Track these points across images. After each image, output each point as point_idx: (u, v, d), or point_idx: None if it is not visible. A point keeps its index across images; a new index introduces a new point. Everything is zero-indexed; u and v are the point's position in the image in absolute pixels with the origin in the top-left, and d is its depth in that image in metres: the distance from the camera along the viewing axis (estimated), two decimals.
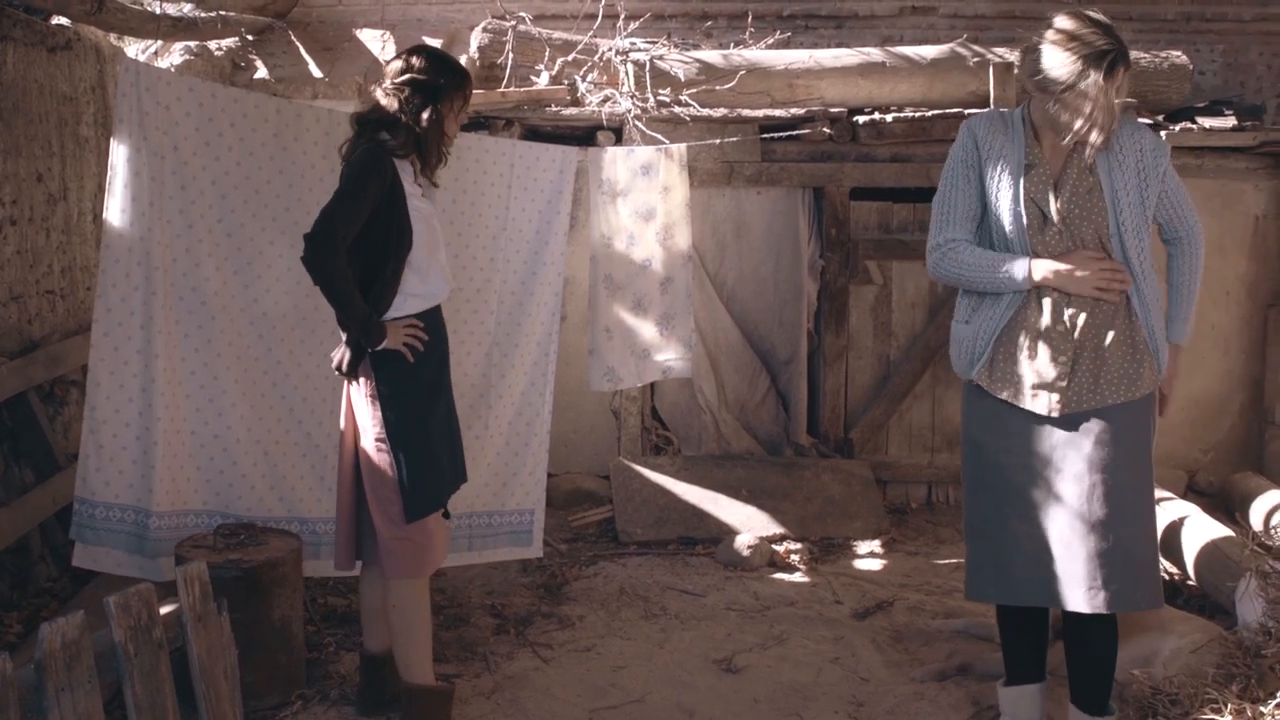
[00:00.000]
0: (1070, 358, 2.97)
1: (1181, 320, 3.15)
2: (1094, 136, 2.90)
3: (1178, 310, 3.15)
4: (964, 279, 3.08)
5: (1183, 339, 3.16)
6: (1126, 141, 3.00)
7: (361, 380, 3.18)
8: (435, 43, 6.18)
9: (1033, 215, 2.99)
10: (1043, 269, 2.97)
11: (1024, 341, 3.02)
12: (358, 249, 3.10)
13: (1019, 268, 2.98)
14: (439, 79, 3.20)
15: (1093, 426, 2.96)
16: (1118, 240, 2.99)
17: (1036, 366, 3.00)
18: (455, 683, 3.61)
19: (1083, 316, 2.97)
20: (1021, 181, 2.98)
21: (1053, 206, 2.97)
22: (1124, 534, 2.94)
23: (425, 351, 3.21)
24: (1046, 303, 2.98)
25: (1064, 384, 2.97)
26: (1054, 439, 3.00)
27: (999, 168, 3.02)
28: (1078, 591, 2.97)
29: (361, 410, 3.20)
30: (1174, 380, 3.16)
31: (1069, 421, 2.98)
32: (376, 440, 3.17)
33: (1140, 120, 3.13)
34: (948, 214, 3.11)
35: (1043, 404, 2.99)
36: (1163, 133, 5.35)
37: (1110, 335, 2.97)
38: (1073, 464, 2.97)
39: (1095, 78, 2.83)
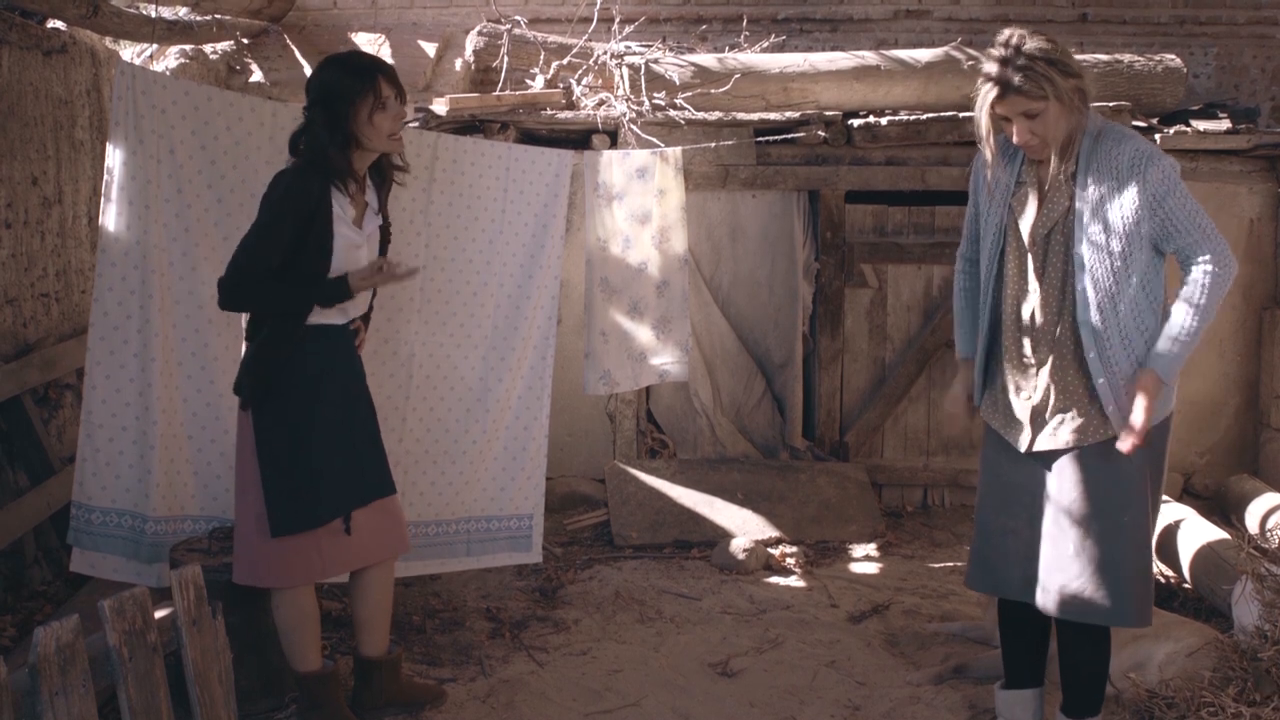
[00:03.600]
0: (1030, 395, 2.97)
1: (1158, 353, 2.81)
2: (985, 151, 2.95)
3: (1162, 338, 2.82)
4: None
5: (1159, 368, 2.80)
6: (1104, 156, 2.84)
7: (244, 387, 3.16)
8: (429, 46, 6.20)
9: (1015, 238, 2.98)
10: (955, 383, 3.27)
11: (1000, 375, 3.07)
12: None
13: (956, 347, 3.27)
14: (330, 90, 3.09)
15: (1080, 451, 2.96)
16: (1079, 264, 2.86)
17: (1011, 400, 3.03)
18: (450, 686, 3.61)
19: (1048, 355, 2.94)
20: (1007, 205, 2.98)
21: (1025, 228, 2.95)
22: (1107, 550, 2.91)
23: (313, 366, 3.15)
24: (1007, 339, 3.02)
25: (1032, 421, 2.98)
26: (1047, 456, 3.01)
27: (993, 193, 3.02)
28: (1054, 596, 2.96)
29: (242, 419, 3.17)
30: (1143, 409, 2.78)
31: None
32: (247, 449, 3.15)
33: (1132, 129, 2.87)
34: (966, 228, 3.22)
35: (1015, 437, 3.02)
36: (1156, 135, 5.36)
37: (1071, 376, 2.94)
38: (1064, 473, 2.97)
39: (979, 100, 2.87)
